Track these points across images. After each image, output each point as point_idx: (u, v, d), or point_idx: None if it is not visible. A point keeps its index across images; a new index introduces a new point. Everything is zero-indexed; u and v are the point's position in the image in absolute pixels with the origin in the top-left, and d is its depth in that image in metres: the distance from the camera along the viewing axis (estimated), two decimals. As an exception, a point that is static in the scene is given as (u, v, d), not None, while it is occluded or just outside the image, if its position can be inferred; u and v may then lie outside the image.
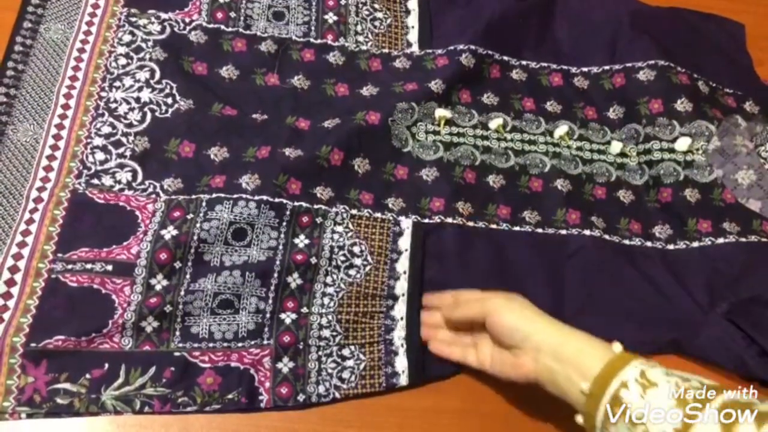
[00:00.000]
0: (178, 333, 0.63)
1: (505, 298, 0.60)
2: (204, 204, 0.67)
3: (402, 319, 0.66)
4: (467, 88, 0.80)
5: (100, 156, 0.70)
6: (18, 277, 0.63)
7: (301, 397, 0.62)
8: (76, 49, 0.75)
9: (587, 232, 0.73)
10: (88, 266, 0.64)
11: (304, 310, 0.66)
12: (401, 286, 0.68)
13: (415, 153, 0.76)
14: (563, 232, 0.73)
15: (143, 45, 0.76)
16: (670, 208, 0.76)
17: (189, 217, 0.66)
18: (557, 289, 0.70)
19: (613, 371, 0.51)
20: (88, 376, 0.60)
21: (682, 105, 0.80)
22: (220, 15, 0.80)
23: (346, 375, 0.63)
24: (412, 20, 0.86)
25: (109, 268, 0.64)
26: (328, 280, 0.67)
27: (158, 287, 0.64)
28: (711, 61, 0.87)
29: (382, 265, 0.69)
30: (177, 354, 0.62)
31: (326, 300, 0.66)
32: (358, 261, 0.68)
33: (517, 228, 0.73)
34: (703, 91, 0.82)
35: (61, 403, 0.58)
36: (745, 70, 0.89)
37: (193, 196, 0.68)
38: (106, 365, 0.60)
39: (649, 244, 0.74)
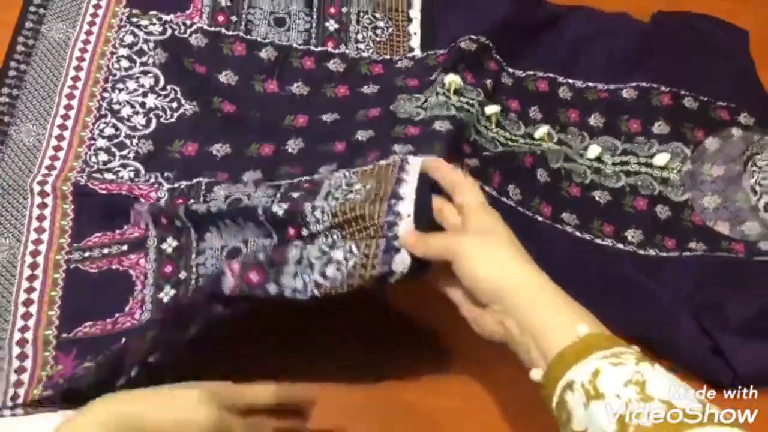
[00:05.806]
0: None
1: (479, 238, 0.51)
2: (203, 187, 0.68)
3: (409, 216, 0.54)
4: (470, 71, 0.78)
5: (103, 157, 0.70)
6: (38, 272, 0.63)
7: (273, 288, 0.52)
8: (78, 49, 0.75)
9: (559, 227, 0.73)
10: (105, 251, 0.65)
11: (305, 232, 0.58)
12: (408, 189, 0.57)
13: (426, 115, 0.72)
14: (539, 218, 0.73)
15: (145, 47, 0.77)
16: (643, 216, 0.77)
17: (190, 202, 0.66)
18: None
19: (566, 365, 0.45)
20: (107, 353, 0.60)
21: (659, 128, 0.82)
22: (221, 18, 0.81)
23: (330, 272, 0.52)
24: (414, 28, 0.86)
25: (125, 248, 0.65)
26: (327, 199, 0.59)
27: (169, 250, 0.65)
28: (712, 68, 0.87)
29: (386, 179, 0.59)
30: None
31: (318, 213, 0.57)
32: (357, 187, 0.60)
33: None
34: (691, 108, 0.84)
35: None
36: (748, 76, 0.90)
37: (194, 181, 0.68)
38: (123, 339, 0.60)
39: (620, 246, 0.74)
